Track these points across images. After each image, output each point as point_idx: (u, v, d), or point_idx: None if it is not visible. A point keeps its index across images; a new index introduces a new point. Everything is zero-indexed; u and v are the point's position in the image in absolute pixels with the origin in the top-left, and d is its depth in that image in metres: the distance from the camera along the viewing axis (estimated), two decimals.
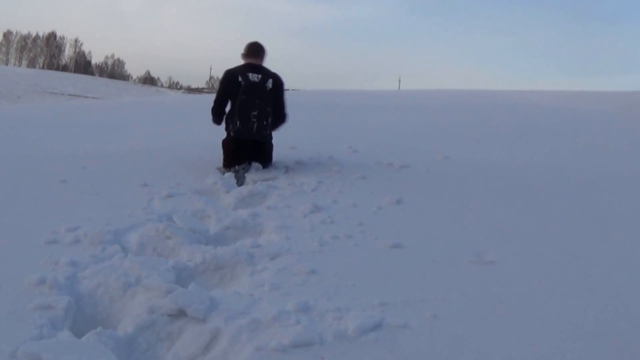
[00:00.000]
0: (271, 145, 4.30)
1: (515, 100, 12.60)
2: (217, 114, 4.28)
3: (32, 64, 74.04)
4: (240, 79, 4.12)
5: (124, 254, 2.47)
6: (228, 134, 4.19)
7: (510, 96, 14.64)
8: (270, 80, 4.18)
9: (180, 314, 1.89)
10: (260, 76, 4.15)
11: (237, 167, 4.11)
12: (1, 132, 6.42)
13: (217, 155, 4.48)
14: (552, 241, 2.71)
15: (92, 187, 3.60)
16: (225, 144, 4.22)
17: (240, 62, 4.31)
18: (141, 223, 2.90)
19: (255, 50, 4.29)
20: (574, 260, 2.45)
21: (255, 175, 4.02)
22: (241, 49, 4.32)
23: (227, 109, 4.28)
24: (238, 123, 4.07)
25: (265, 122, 4.11)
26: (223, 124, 4.28)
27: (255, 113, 4.06)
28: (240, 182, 3.97)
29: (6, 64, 69.66)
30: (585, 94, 16.36)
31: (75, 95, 31.82)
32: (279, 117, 4.28)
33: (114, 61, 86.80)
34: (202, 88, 69.03)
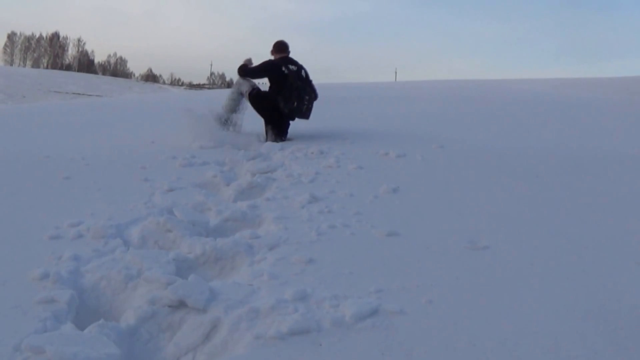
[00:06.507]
0: None
1: (508, 89, 12.59)
2: (247, 76, 5.33)
3: (36, 64, 74.17)
4: (283, 69, 5.14)
5: (126, 248, 2.50)
6: (277, 109, 5.13)
7: (504, 85, 14.61)
8: (303, 70, 5.26)
9: (181, 304, 1.92)
10: (295, 68, 5.20)
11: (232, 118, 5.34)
12: (7, 131, 6.49)
13: (218, 148, 4.61)
14: (545, 225, 2.73)
15: (95, 183, 3.64)
16: (268, 115, 5.25)
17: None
18: (142, 217, 2.94)
19: (283, 46, 5.35)
20: (566, 244, 2.47)
21: (253, 167, 4.08)
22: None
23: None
24: (295, 104, 5.06)
25: (311, 105, 5.19)
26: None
27: (308, 97, 5.12)
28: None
29: (11, 65, 69.91)
30: (577, 81, 16.31)
31: (79, 94, 31.92)
32: (313, 97, 5.26)
33: (117, 59, 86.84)
34: (204, 84, 69.14)
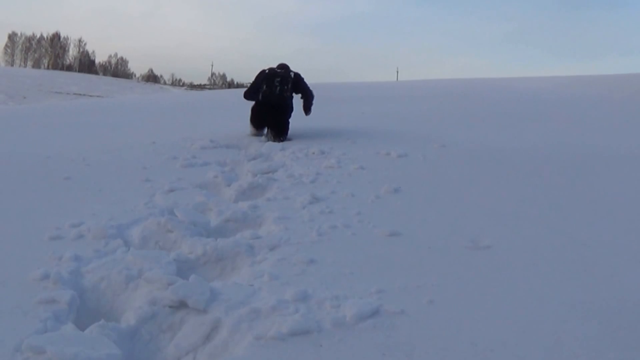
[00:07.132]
0: (289, 123, 5.37)
1: (510, 88, 12.59)
2: (251, 95, 5.55)
3: (37, 64, 74.13)
4: (266, 71, 5.47)
5: (127, 248, 2.50)
6: (256, 103, 5.41)
7: (506, 84, 14.61)
8: (292, 73, 5.50)
9: (182, 305, 1.93)
10: (282, 71, 5.47)
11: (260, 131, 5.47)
12: (8, 132, 6.48)
13: (220, 148, 4.62)
14: (546, 224, 2.73)
15: (96, 184, 3.64)
16: (253, 110, 5.47)
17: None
18: (143, 217, 2.94)
19: (280, 64, 5.71)
20: (568, 243, 2.47)
21: (254, 167, 4.08)
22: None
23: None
24: (265, 87, 5.32)
25: (285, 87, 5.33)
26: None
27: (279, 79, 5.32)
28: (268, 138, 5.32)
29: (12, 65, 69.99)
30: (580, 79, 16.29)
31: (80, 95, 31.95)
32: (308, 94, 5.53)
33: (117, 60, 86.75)
34: (204, 84, 69.33)
